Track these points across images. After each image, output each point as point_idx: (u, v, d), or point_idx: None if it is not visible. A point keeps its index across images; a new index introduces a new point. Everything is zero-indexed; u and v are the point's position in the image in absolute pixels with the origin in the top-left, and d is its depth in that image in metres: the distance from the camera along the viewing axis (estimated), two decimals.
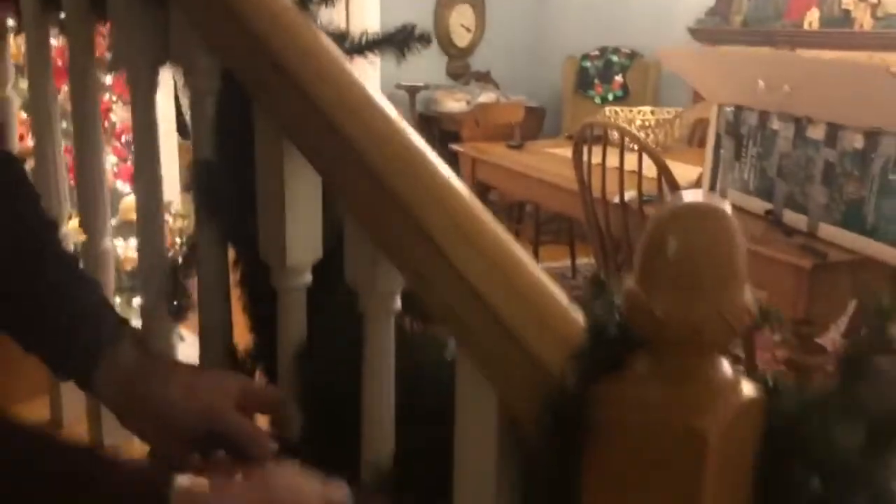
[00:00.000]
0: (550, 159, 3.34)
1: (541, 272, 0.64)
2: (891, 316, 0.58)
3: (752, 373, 0.58)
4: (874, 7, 4.33)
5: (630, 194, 2.58)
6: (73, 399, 1.24)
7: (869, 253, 1.90)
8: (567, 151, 3.33)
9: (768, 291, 2.16)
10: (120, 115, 2.61)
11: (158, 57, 0.89)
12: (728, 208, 0.53)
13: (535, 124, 4.76)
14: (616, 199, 2.60)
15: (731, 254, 0.51)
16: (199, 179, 0.86)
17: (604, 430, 0.54)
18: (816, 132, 2.10)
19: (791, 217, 2.22)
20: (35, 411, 1.25)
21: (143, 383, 0.74)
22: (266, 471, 0.69)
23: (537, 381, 0.58)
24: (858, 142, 1.97)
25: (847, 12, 4.44)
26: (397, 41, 0.89)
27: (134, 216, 2.89)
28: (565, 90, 5.41)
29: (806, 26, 4.54)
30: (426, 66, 4.78)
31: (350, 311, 0.84)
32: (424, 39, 0.90)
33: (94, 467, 0.60)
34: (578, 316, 0.62)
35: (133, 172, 0.94)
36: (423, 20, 4.66)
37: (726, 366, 0.55)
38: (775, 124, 2.27)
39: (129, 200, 2.77)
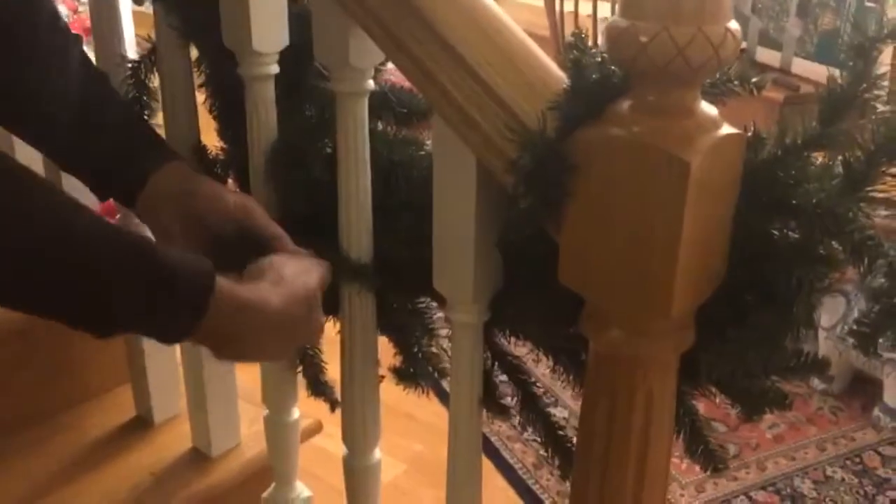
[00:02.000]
0: (521, 9, 3.25)
1: (522, 31, 0.62)
2: (876, 55, 0.57)
3: None
4: None
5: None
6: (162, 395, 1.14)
7: None
8: (536, 1, 3.23)
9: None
10: None
11: None
12: None
13: None
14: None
15: None
16: None
17: (586, 171, 0.54)
18: None
19: (764, 55, 2.19)
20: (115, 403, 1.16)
21: (183, 193, 0.74)
22: (277, 262, 0.68)
23: (517, 135, 0.57)
24: None
25: None
26: None
27: None
28: None
29: None
30: None
31: (321, 105, 0.82)
32: None
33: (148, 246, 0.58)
34: (561, 73, 0.60)
35: None
36: None
37: (708, 105, 0.54)
38: None
39: None
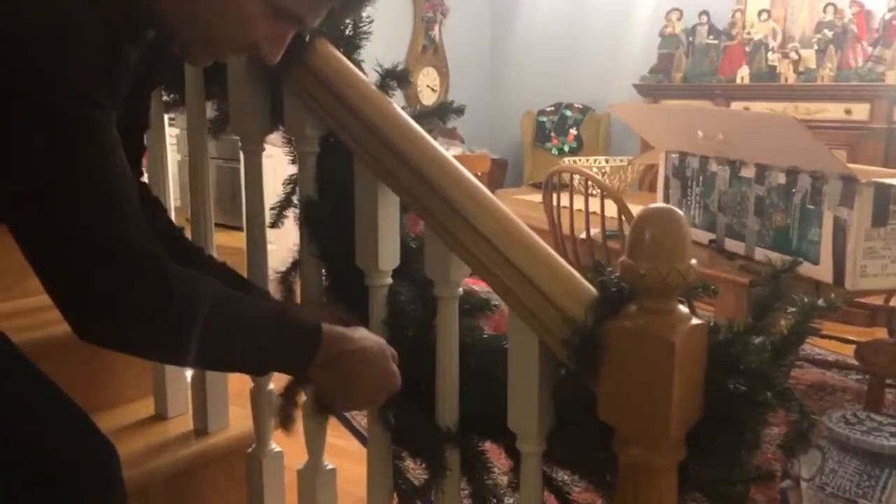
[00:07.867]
0: (520, 204, 3.72)
1: (561, 259, 0.99)
2: (784, 278, 0.94)
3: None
4: (796, 63, 4.87)
5: (594, 231, 2.96)
6: (177, 394, 1.56)
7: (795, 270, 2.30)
8: (533, 197, 3.72)
9: (716, 307, 2.55)
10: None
11: (266, 127, 1.23)
12: (679, 211, 0.88)
13: (499, 175, 5.17)
14: (583, 235, 2.98)
15: (681, 237, 0.86)
16: (304, 212, 1.19)
17: (611, 350, 0.88)
18: (748, 172, 2.51)
19: (731, 244, 2.61)
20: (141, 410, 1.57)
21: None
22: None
23: (565, 326, 0.93)
24: (781, 179, 2.37)
25: (773, 68, 4.97)
26: (439, 112, 1.25)
27: None
28: (525, 143, 5.85)
29: (738, 81, 5.06)
30: None
31: (419, 302, 1.18)
32: (459, 111, 1.25)
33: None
34: (587, 284, 0.96)
35: (246, 214, 1.27)
36: None
37: (682, 307, 0.89)
38: (714, 167, 2.68)
39: None
